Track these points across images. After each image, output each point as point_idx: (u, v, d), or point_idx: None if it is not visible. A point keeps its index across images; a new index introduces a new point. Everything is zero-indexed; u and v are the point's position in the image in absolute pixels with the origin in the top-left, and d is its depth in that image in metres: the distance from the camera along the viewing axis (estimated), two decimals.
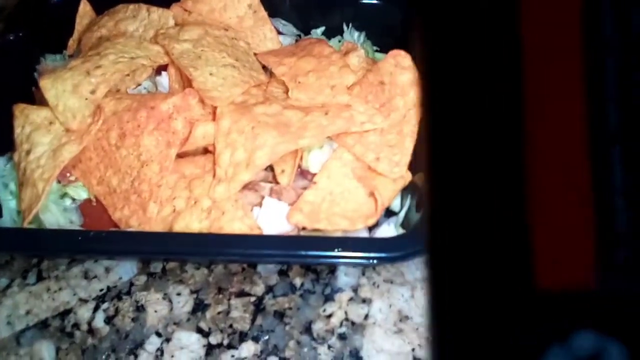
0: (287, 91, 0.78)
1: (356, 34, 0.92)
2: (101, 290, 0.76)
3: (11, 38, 0.85)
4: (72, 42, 0.91)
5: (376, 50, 0.92)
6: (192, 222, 0.70)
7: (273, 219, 0.71)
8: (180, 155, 0.75)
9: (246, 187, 0.72)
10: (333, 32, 0.93)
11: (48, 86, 0.75)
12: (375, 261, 0.64)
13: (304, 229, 0.71)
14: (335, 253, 0.64)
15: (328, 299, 0.75)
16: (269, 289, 0.76)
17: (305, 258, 0.65)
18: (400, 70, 0.75)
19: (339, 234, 0.72)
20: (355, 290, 0.76)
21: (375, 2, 0.89)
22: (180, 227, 0.70)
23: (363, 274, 0.77)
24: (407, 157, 0.72)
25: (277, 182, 0.75)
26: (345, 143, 0.75)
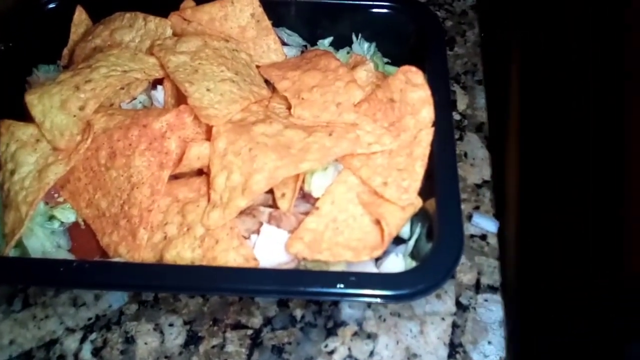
0: (289, 107, 0.73)
1: (366, 44, 0.87)
2: (89, 319, 0.71)
3: (2, 48, 0.80)
4: (66, 52, 0.86)
5: (387, 62, 0.86)
6: (185, 251, 0.65)
7: (271, 249, 0.66)
8: (174, 176, 0.70)
9: (244, 211, 0.67)
10: (341, 42, 0.87)
11: (34, 102, 0.70)
12: (379, 300, 0.58)
13: (304, 258, 0.66)
14: (337, 290, 0.58)
15: (330, 333, 0.70)
16: (268, 321, 0.71)
17: (305, 295, 0.59)
18: (412, 88, 0.70)
19: (342, 266, 0.66)
20: (359, 324, 0.70)
21: (386, 11, 0.83)
22: (171, 256, 0.65)
23: (369, 306, 0.71)
24: (417, 183, 0.66)
25: (276, 206, 0.69)
26: (351, 165, 0.69)
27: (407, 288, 0.58)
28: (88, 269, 0.60)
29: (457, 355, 0.68)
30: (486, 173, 0.82)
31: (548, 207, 0.73)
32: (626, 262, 0.63)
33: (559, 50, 0.85)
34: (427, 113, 0.69)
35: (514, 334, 0.69)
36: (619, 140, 0.69)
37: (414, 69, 0.69)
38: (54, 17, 0.86)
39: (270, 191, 0.69)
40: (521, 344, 0.68)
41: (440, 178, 0.66)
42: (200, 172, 0.71)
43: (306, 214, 0.68)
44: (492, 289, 0.72)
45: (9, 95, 0.80)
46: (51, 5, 0.86)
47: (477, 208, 0.79)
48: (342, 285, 0.58)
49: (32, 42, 0.84)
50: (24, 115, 0.78)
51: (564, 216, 0.72)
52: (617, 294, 0.62)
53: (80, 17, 0.86)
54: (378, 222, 0.67)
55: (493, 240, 0.76)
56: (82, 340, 0.70)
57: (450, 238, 0.61)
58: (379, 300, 0.58)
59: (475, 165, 0.83)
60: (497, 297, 0.72)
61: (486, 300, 0.72)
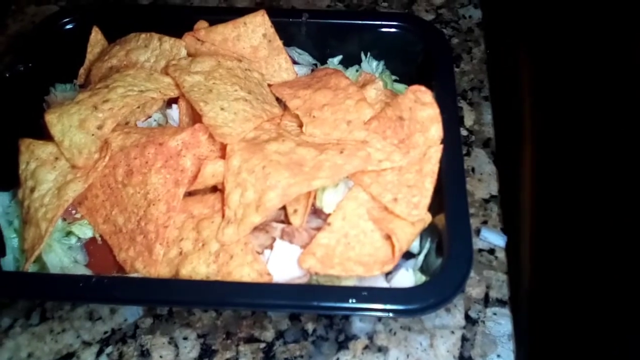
0: (301, 125, 0.75)
1: (374, 62, 0.89)
2: (105, 332, 0.73)
3: (21, 69, 0.82)
4: (82, 72, 0.88)
5: (395, 80, 0.88)
6: (200, 266, 0.67)
7: (284, 264, 0.67)
8: (189, 193, 0.72)
9: (257, 227, 0.69)
10: (350, 60, 0.89)
11: (54, 121, 0.72)
12: (391, 314, 0.60)
13: (316, 273, 0.67)
14: (350, 305, 0.60)
15: (342, 346, 0.71)
16: (280, 335, 0.72)
17: (317, 309, 0.61)
18: (421, 106, 0.71)
19: (353, 280, 0.68)
20: (370, 337, 0.72)
21: (395, 30, 0.85)
22: (187, 271, 0.67)
23: (379, 320, 0.73)
24: (426, 199, 0.68)
25: (288, 222, 0.71)
26: (361, 182, 0.71)
27: (418, 303, 0.60)
28: (107, 284, 0.62)
29: None
30: (493, 188, 0.84)
31: (561, 219, 0.74)
32: None
33: (566, 62, 0.87)
34: (436, 131, 0.71)
35: (523, 346, 0.70)
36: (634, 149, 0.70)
37: (423, 88, 0.71)
38: (71, 38, 0.88)
39: (283, 207, 0.70)
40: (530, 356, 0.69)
41: (449, 194, 0.67)
42: (214, 189, 0.73)
43: (318, 229, 0.70)
44: (500, 302, 0.74)
45: (27, 114, 0.82)
46: (68, 26, 0.88)
47: (485, 222, 0.80)
48: (354, 300, 0.60)
49: (49, 62, 0.86)
50: (42, 134, 0.80)
51: (578, 227, 0.73)
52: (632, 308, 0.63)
53: (96, 38, 0.88)
54: (388, 237, 0.69)
55: (501, 255, 0.78)
56: (99, 353, 0.71)
57: (459, 253, 0.63)
58: (390, 314, 0.60)
59: (483, 180, 0.84)
60: (506, 311, 0.73)
61: (495, 314, 0.73)
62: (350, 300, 0.60)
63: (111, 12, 0.92)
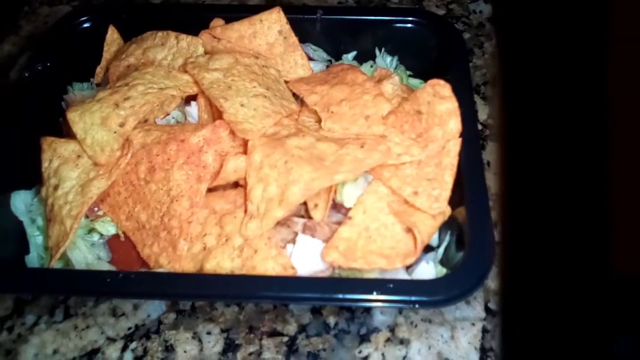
0: (319, 120, 0.76)
1: (389, 58, 0.89)
2: (129, 328, 0.73)
3: (39, 68, 0.83)
4: (99, 70, 0.89)
5: (409, 75, 0.89)
6: (224, 261, 0.67)
7: (307, 257, 0.68)
8: (209, 189, 0.72)
9: (279, 222, 0.69)
10: (365, 56, 0.90)
11: (76, 119, 0.73)
12: (416, 305, 0.61)
13: (339, 266, 0.68)
14: (375, 297, 0.61)
15: (364, 339, 0.72)
16: (302, 329, 0.73)
17: (343, 301, 0.61)
18: (439, 100, 0.72)
19: (375, 273, 0.69)
20: (392, 330, 0.72)
21: (409, 25, 0.86)
22: (211, 265, 0.67)
23: (400, 312, 0.73)
24: (447, 192, 0.69)
25: (309, 216, 0.72)
26: (381, 176, 0.71)
27: (443, 294, 0.61)
28: (134, 279, 0.63)
29: None
30: None
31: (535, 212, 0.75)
32: (612, 262, 0.65)
33: (576, 56, 0.88)
34: (455, 124, 0.72)
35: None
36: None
37: (442, 82, 0.72)
38: (87, 37, 0.89)
39: (303, 202, 0.71)
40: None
41: (469, 187, 0.68)
42: (234, 185, 0.74)
43: (338, 223, 0.70)
44: None
45: (46, 113, 0.83)
46: (84, 26, 0.89)
47: None
48: (379, 292, 0.61)
49: (66, 61, 0.87)
50: (61, 133, 0.81)
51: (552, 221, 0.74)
52: (605, 294, 0.64)
53: (112, 37, 0.89)
54: (409, 230, 0.69)
55: None
56: (123, 349, 0.72)
57: (482, 246, 0.63)
58: (416, 306, 0.61)
59: (499, 174, 0.85)
60: None
61: None
62: (374, 293, 0.61)
63: (126, 11, 0.93)
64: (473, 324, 0.72)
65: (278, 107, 0.75)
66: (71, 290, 0.67)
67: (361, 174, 0.71)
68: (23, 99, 0.81)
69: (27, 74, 0.82)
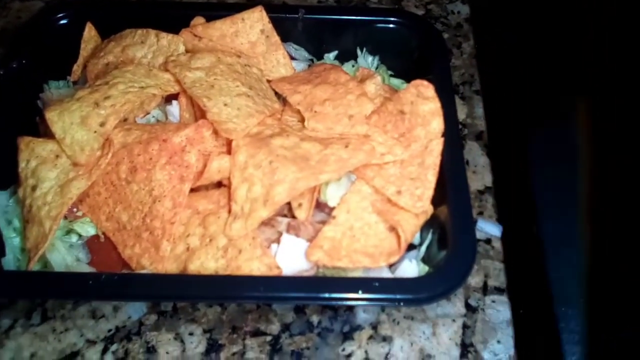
0: (302, 120, 0.76)
1: (370, 57, 0.90)
2: (109, 330, 0.73)
3: (14, 65, 0.81)
4: (76, 68, 0.87)
5: (391, 75, 0.89)
6: (208, 262, 0.67)
7: (292, 257, 0.68)
8: (192, 189, 0.72)
9: (263, 222, 0.69)
10: (346, 56, 0.90)
11: (55, 119, 0.72)
12: (401, 303, 0.61)
13: (324, 265, 0.68)
14: (360, 295, 0.61)
15: (347, 337, 0.72)
16: (285, 328, 0.73)
17: (330, 300, 0.62)
18: (422, 100, 0.73)
19: (359, 272, 0.69)
20: (374, 327, 0.73)
21: (389, 26, 0.86)
22: (195, 266, 0.67)
23: (382, 310, 0.74)
24: (430, 191, 0.69)
25: (293, 216, 0.72)
26: (364, 175, 0.72)
27: (427, 292, 0.61)
28: (117, 281, 0.62)
29: (469, 355, 0.71)
30: (488, 179, 0.86)
31: None
32: None
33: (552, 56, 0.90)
34: (438, 124, 0.72)
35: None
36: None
37: (425, 82, 0.73)
38: (64, 34, 0.87)
39: (287, 202, 0.71)
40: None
41: (451, 187, 0.69)
42: (217, 185, 0.73)
43: (322, 222, 0.71)
44: (498, 290, 0.76)
45: (22, 112, 0.81)
46: (61, 22, 0.87)
47: (480, 213, 0.82)
48: (363, 291, 0.61)
49: (42, 58, 0.85)
50: (37, 132, 0.80)
51: None
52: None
53: (90, 34, 0.87)
54: (392, 229, 0.70)
55: (497, 244, 0.80)
56: (104, 351, 0.71)
57: (464, 245, 0.64)
58: (401, 304, 0.61)
59: (477, 172, 0.86)
60: (504, 298, 0.75)
61: (494, 302, 0.75)
62: (359, 292, 0.61)
63: (103, 7, 0.91)
64: (454, 320, 0.73)
65: (261, 106, 0.75)
66: (53, 293, 0.65)
67: (345, 174, 0.71)
68: None
69: (1, 72, 0.80)
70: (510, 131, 0.88)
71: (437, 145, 0.72)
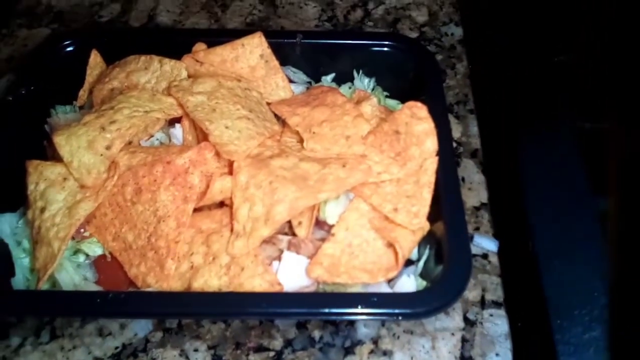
0: (301, 141, 0.78)
1: (366, 79, 0.93)
2: (116, 347, 0.74)
3: (22, 92, 0.84)
4: (82, 93, 0.90)
5: (386, 96, 0.92)
6: (212, 279, 0.69)
7: (293, 274, 0.70)
8: (195, 209, 0.74)
9: (264, 240, 0.71)
10: (343, 78, 0.93)
11: (62, 142, 0.74)
12: (400, 317, 0.63)
13: (324, 282, 0.70)
14: (359, 310, 0.63)
15: (348, 352, 0.74)
16: (288, 343, 0.75)
17: (330, 315, 0.64)
18: (417, 121, 0.76)
19: (359, 287, 0.71)
20: (375, 342, 0.75)
21: (386, 49, 0.89)
22: (199, 284, 0.69)
23: (383, 324, 0.76)
24: (425, 208, 0.72)
25: (293, 233, 0.74)
26: (361, 193, 0.74)
27: (425, 306, 0.63)
28: (124, 299, 0.64)
29: None
30: (483, 196, 0.88)
31: None
32: None
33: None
34: (432, 143, 0.75)
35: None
36: None
37: (419, 104, 0.75)
38: (70, 60, 0.90)
39: (288, 220, 0.74)
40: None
41: (446, 204, 0.71)
42: (220, 205, 0.76)
43: (322, 240, 0.73)
44: (496, 304, 0.78)
45: (30, 136, 0.84)
46: (68, 49, 0.90)
47: (477, 229, 0.84)
48: (363, 306, 0.63)
49: (49, 84, 0.88)
50: (45, 155, 0.82)
51: None
52: None
53: (95, 60, 0.90)
54: (390, 245, 0.72)
55: (494, 259, 0.82)
56: None
57: (460, 260, 0.67)
58: (399, 318, 0.63)
59: (473, 189, 0.89)
60: (502, 312, 0.77)
61: (491, 315, 0.77)
62: (359, 307, 0.63)
63: (108, 35, 0.94)
64: (453, 334, 0.75)
65: (261, 128, 0.78)
66: (62, 311, 0.67)
67: (343, 192, 0.74)
68: (7, 122, 0.82)
69: (10, 98, 0.83)
70: (504, 149, 0.90)
71: (432, 164, 0.74)
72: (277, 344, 0.75)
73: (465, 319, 0.76)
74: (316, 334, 0.75)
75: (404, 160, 0.76)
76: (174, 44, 0.90)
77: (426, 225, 0.73)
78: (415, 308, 0.63)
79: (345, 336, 0.75)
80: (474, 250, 0.82)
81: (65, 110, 0.89)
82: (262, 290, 0.67)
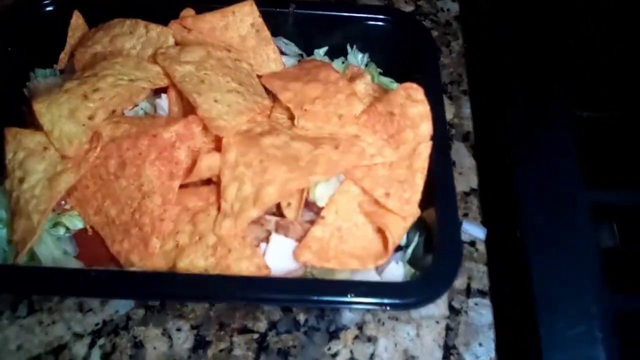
0: (291, 117, 0.76)
1: (360, 55, 0.90)
2: (97, 324, 0.73)
3: (9, 50, 0.79)
4: (63, 56, 0.86)
5: (380, 73, 0.89)
6: (197, 260, 0.67)
7: (280, 257, 0.69)
8: (181, 186, 0.71)
9: (252, 220, 0.70)
10: (336, 52, 0.90)
11: (43, 111, 0.71)
12: (388, 307, 0.63)
13: (312, 266, 0.69)
14: (349, 299, 0.62)
15: (333, 336, 0.73)
16: (273, 325, 0.74)
17: (318, 303, 0.63)
18: (412, 103, 0.73)
19: (346, 272, 0.70)
20: (360, 327, 0.74)
21: (381, 24, 0.86)
22: (184, 264, 0.67)
23: (367, 310, 0.75)
24: (417, 195, 0.70)
25: (281, 214, 0.72)
26: (352, 176, 0.72)
27: (414, 297, 0.63)
28: (107, 279, 0.62)
29: (451, 357, 0.72)
30: (473, 181, 0.87)
31: None
32: None
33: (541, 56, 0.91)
34: (427, 127, 0.73)
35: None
36: None
37: (414, 85, 0.73)
38: (51, 21, 0.86)
39: None
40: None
41: (439, 191, 0.70)
42: (206, 182, 0.73)
43: (311, 222, 0.71)
44: (481, 293, 0.77)
45: (8, 100, 0.80)
46: (48, 9, 0.85)
47: (465, 215, 0.84)
48: (353, 295, 0.62)
49: (28, 46, 0.84)
50: (24, 121, 0.79)
51: None
52: None
53: (77, 22, 0.86)
54: (379, 231, 0.71)
55: (481, 247, 0.81)
56: (91, 345, 0.71)
57: (451, 249, 0.66)
58: (387, 308, 0.62)
59: (463, 173, 0.87)
60: (487, 301, 0.77)
61: (476, 304, 0.77)
62: (349, 295, 0.62)
63: None
64: (437, 322, 0.75)
65: (251, 103, 0.75)
66: (39, 290, 0.65)
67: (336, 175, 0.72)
68: None
69: None
70: (496, 133, 0.89)
71: (426, 148, 0.72)
72: (262, 326, 0.74)
73: (450, 307, 0.76)
74: (301, 317, 0.74)
75: (397, 143, 0.74)
76: (159, 8, 0.85)
77: (417, 212, 0.72)
78: (405, 298, 0.62)
79: (330, 320, 0.74)
80: (462, 237, 0.81)
81: (46, 74, 0.85)
82: (249, 274, 0.66)
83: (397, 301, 0.62)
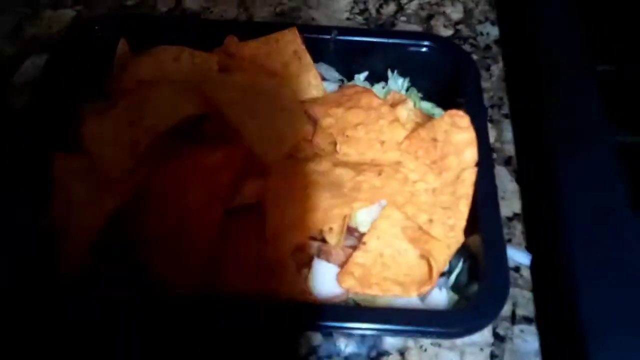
0: (333, 143, 0.76)
1: (400, 80, 0.90)
2: None
3: (50, 77, 0.82)
4: (109, 82, 0.88)
5: (421, 98, 0.89)
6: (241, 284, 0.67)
7: (323, 282, 0.69)
8: (225, 211, 0.72)
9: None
10: (376, 77, 0.90)
11: (89, 135, 0.72)
12: (434, 336, 0.62)
13: (355, 292, 0.69)
14: (393, 327, 0.61)
15: None
16: (313, 351, 0.73)
17: (365, 330, 0.62)
18: (457, 130, 0.73)
19: (388, 298, 0.69)
20: (402, 353, 0.73)
21: (423, 50, 0.86)
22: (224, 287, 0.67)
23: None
24: (462, 222, 0.69)
25: (323, 239, 0.72)
26: (395, 201, 0.72)
27: (461, 326, 0.62)
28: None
29: None
30: (516, 206, 0.86)
31: None
32: None
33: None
34: (471, 154, 0.72)
35: None
36: None
37: (460, 112, 0.73)
38: (97, 47, 0.88)
39: None
40: None
41: (484, 218, 0.69)
42: (251, 207, 0.74)
43: (352, 247, 0.71)
44: (527, 320, 0.76)
45: (56, 124, 0.82)
46: (95, 36, 0.88)
47: (509, 241, 0.82)
48: (397, 322, 0.61)
49: (76, 71, 0.86)
50: (70, 147, 0.80)
51: None
52: None
53: (123, 49, 0.88)
54: (422, 257, 0.70)
55: (526, 272, 0.79)
56: None
57: (498, 278, 0.65)
58: (434, 336, 0.61)
59: (506, 198, 0.86)
60: (532, 328, 0.75)
61: (522, 331, 0.75)
62: (394, 323, 0.61)
63: (135, 22, 0.92)
64: (481, 349, 0.73)
65: (294, 129, 0.75)
66: None
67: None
68: (33, 109, 0.80)
69: (38, 84, 0.81)
70: (540, 156, 0.88)
71: (470, 175, 0.71)
72: (302, 350, 0.73)
73: (495, 334, 0.74)
74: (342, 342, 0.74)
75: (440, 169, 0.73)
76: (204, 36, 0.87)
77: (461, 239, 0.71)
78: (451, 328, 0.61)
79: (371, 346, 0.73)
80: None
81: (92, 99, 0.87)
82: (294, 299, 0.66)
83: (442, 330, 0.61)
